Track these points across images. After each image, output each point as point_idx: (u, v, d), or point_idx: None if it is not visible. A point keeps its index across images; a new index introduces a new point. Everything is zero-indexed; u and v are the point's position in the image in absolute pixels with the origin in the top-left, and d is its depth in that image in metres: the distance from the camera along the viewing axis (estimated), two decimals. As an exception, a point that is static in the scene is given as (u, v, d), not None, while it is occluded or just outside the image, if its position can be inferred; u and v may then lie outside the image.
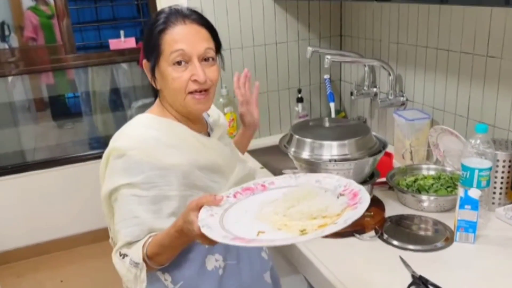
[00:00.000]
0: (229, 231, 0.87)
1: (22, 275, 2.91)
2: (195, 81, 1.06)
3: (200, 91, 1.08)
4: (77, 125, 3.81)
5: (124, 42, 3.08)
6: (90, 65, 3.33)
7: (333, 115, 2.18)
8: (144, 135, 1.07)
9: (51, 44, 3.57)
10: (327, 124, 1.52)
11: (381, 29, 1.95)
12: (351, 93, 2.03)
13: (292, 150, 1.43)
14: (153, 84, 1.13)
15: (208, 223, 0.88)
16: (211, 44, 1.09)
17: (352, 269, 1.22)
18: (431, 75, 1.74)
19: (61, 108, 4.01)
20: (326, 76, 2.21)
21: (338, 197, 0.94)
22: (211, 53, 1.09)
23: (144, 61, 1.13)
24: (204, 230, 0.85)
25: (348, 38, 2.19)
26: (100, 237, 3.09)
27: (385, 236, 1.34)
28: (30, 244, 3.05)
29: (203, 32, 1.08)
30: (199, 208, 0.92)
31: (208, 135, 1.21)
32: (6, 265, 2.90)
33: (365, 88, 2.05)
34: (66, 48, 3.02)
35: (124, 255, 1.04)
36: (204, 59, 1.08)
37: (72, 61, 3.11)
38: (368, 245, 1.32)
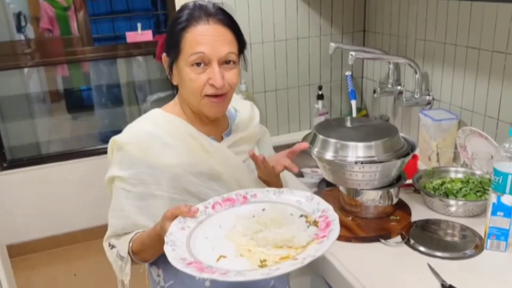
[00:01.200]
0: (191, 251, 0.88)
1: (36, 268, 2.91)
2: (212, 85, 1.02)
3: (217, 95, 1.04)
4: (91, 118, 3.80)
5: (141, 34, 3.04)
6: (107, 58, 3.30)
7: (354, 113, 2.13)
8: (144, 131, 1.07)
9: (66, 36, 3.55)
10: (352, 124, 1.46)
11: (408, 25, 1.88)
12: (374, 91, 1.96)
13: (315, 150, 1.38)
14: (170, 79, 1.10)
15: (175, 238, 0.90)
16: (234, 48, 1.04)
17: (378, 275, 1.17)
18: (460, 74, 1.68)
19: (75, 101, 4.00)
20: (348, 73, 2.15)
21: (308, 227, 0.93)
22: (233, 57, 1.04)
23: (164, 55, 1.10)
24: (166, 248, 0.86)
25: (371, 34, 2.13)
26: (114, 231, 3.08)
27: (412, 241, 1.29)
28: (44, 236, 3.04)
29: (227, 34, 1.03)
30: (173, 217, 0.94)
31: (222, 138, 1.16)
32: (21, 257, 2.90)
33: (389, 86, 1.98)
34: (83, 40, 3.00)
35: (112, 246, 1.09)
36: (225, 62, 1.04)
37: (89, 53, 3.08)
38: (394, 250, 1.27)
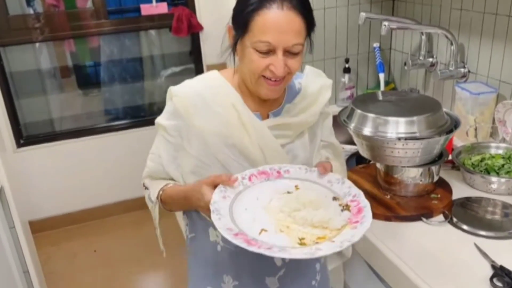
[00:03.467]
0: (235, 221, 0.91)
1: (56, 244, 2.92)
2: (272, 71, 0.98)
3: (275, 80, 1.01)
4: (103, 94, 3.73)
5: (156, 7, 2.95)
6: (120, 32, 3.22)
7: (382, 86, 2.05)
8: (194, 89, 1.08)
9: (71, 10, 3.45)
10: (391, 98, 1.39)
11: (442, -7, 1.79)
12: (405, 64, 1.89)
13: (352, 126, 1.32)
14: (233, 51, 1.05)
15: (219, 207, 0.93)
16: (301, 38, 0.98)
17: (423, 256, 1.13)
18: (500, 45, 1.59)
19: (87, 77, 3.92)
20: (376, 45, 2.07)
21: (342, 211, 0.96)
22: (298, 48, 0.98)
23: (230, 26, 1.04)
24: (214, 217, 0.90)
25: (401, 3, 2.03)
26: (132, 207, 3.08)
27: (455, 220, 1.25)
28: (64, 213, 3.04)
29: (298, 23, 0.96)
30: (213, 185, 0.98)
31: (268, 116, 1.11)
32: (41, 233, 2.90)
33: (421, 58, 1.90)
34: (98, 13, 2.91)
35: (146, 187, 1.17)
36: (290, 52, 0.98)
37: (101, 27, 3.00)
38: (437, 230, 1.23)
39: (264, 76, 1.00)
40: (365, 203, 0.95)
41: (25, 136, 2.95)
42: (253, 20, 0.96)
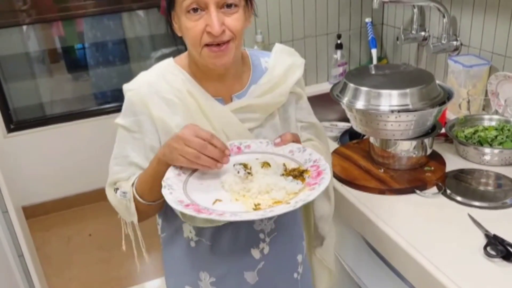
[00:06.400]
0: (188, 195, 0.89)
1: (50, 229, 2.91)
2: (209, 32, 0.91)
3: (218, 44, 0.92)
4: (93, 77, 3.68)
5: (144, -14, 2.90)
6: (107, 13, 3.16)
7: (374, 62, 2.04)
8: (147, 81, 1.02)
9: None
10: (383, 71, 1.38)
11: (434, -35, 1.77)
12: (397, 38, 1.87)
13: (345, 100, 1.31)
14: (171, 31, 0.99)
15: (171, 183, 0.91)
16: None
17: (418, 228, 1.14)
18: (492, 16, 1.58)
19: (75, 60, 3.87)
20: (368, 20, 2.05)
21: (297, 183, 0.93)
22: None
23: (163, 4, 0.99)
24: (164, 192, 0.87)
25: (393, -23, 2.01)
26: (126, 190, 3.06)
27: (449, 192, 1.25)
28: (57, 198, 3.03)
29: None
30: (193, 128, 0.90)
31: (231, 100, 1.05)
32: (35, 219, 2.89)
33: (413, 32, 1.89)
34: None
35: (116, 189, 1.05)
36: (226, 5, 0.91)
37: (87, 8, 2.95)
38: (431, 201, 1.23)
39: (206, 45, 0.93)
40: (325, 166, 0.93)
41: (15, 121, 2.92)
42: None
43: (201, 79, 1.02)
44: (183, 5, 0.91)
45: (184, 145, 0.88)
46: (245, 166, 0.96)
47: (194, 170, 0.96)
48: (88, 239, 2.82)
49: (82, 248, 2.73)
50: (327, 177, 0.89)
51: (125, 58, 3.59)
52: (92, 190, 3.07)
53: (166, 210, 1.09)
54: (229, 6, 0.91)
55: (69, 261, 2.63)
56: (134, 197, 1.01)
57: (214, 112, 1.01)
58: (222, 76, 1.02)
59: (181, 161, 0.90)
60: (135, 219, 1.04)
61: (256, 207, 0.86)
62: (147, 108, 1.00)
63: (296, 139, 1.03)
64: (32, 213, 2.87)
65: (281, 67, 1.08)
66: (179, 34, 0.99)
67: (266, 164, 0.97)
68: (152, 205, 1.02)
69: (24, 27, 3.13)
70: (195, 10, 0.90)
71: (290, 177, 0.94)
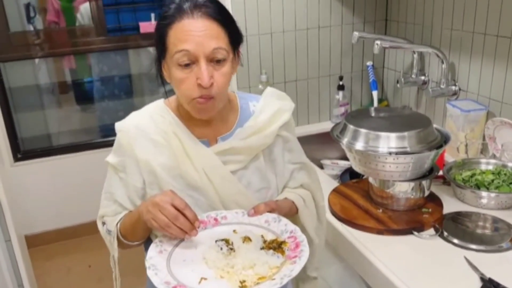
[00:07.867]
0: (173, 275, 0.90)
1: (51, 259, 2.91)
2: (199, 85, 0.95)
3: (205, 98, 0.97)
4: (101, 109, 3.76)
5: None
6: (119, 49, 3.27)
7: (375, 104, 2.09)
8: (134, 123, 1.07)
9: (72, 26, 3.51)
10: (382, 114, 1.43)
11: (433, 14, 1.84)
12: (397, 81, 1.93)
13: (345, 141, 1.35)
14: (160, 75, 1.03)
15: (155, 262, 0.93)
16: (222, 43, 0.95)
17: (414, 269, 1.15)
18: (489, 63, 1.64)
19: (85, 92, 3.97)
20: (369, 63, 2.12)
21: (277, 257, 0.95)
22: (221, 54, 0.95)
23: (153, 50, 1.04)
24: (150, 273, 0.89)
25: (394, 23, 2.09)
26: (127, 222, 3.07)
27: (445, 234, 1.27)
28: (59, 227, 3.04)
29: (214, 28, 0.94)
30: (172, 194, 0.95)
31: (217, 142, 1.08)
32: (36, 248, 2.89)
33: (413, 76, 1.95)
34: (97, 30, 2.96)
35: (103, 223, 1.12)
36: (215, 60, 0.95)
37: (102, 44, 3.05)
38: (428, 243, 1.25)
39: (193, 98, 0.97)
40: (302, 238, 0.97)
41: (22, 151, 2.97)
42: (168, 35, 0.95)
43: (188, 121, 1.07)
44: (175, 57, 0.95)
45: (158, 211, 0.92)
46: (226, 241, 0.99)
47: (176, 245, 0.99)
48: (88, 270, 2.81)
49: (81, 279, 2.72)
50: (305, 249, 0.93)
51: (133, 92, 3.68)
52: (93, 221, 3.06)
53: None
54: (218, 61, 0.96)
55: (68, 292, 2.62)
56: (117, 236, 1.07)
57: (198, 154, 1.04)
58: (209, 119, 1.06)
59: (153, 225, 0.94)
60: (116, 254, 1.10)
61: (242, 285, 0.87)
62: (132, 151, 1.04)
63: (271, 207, 1.06)
64: (33, 242, 2.87)
65: (268, 110, 1.11)
66: (168, 81, 1.03)
67: (247, 239, 0.99)
68: (135, 244, 1.10)
69: (36, 59, 3.23)
70: (187, 65, 0.95)
71: (271, 251, 0.96)
